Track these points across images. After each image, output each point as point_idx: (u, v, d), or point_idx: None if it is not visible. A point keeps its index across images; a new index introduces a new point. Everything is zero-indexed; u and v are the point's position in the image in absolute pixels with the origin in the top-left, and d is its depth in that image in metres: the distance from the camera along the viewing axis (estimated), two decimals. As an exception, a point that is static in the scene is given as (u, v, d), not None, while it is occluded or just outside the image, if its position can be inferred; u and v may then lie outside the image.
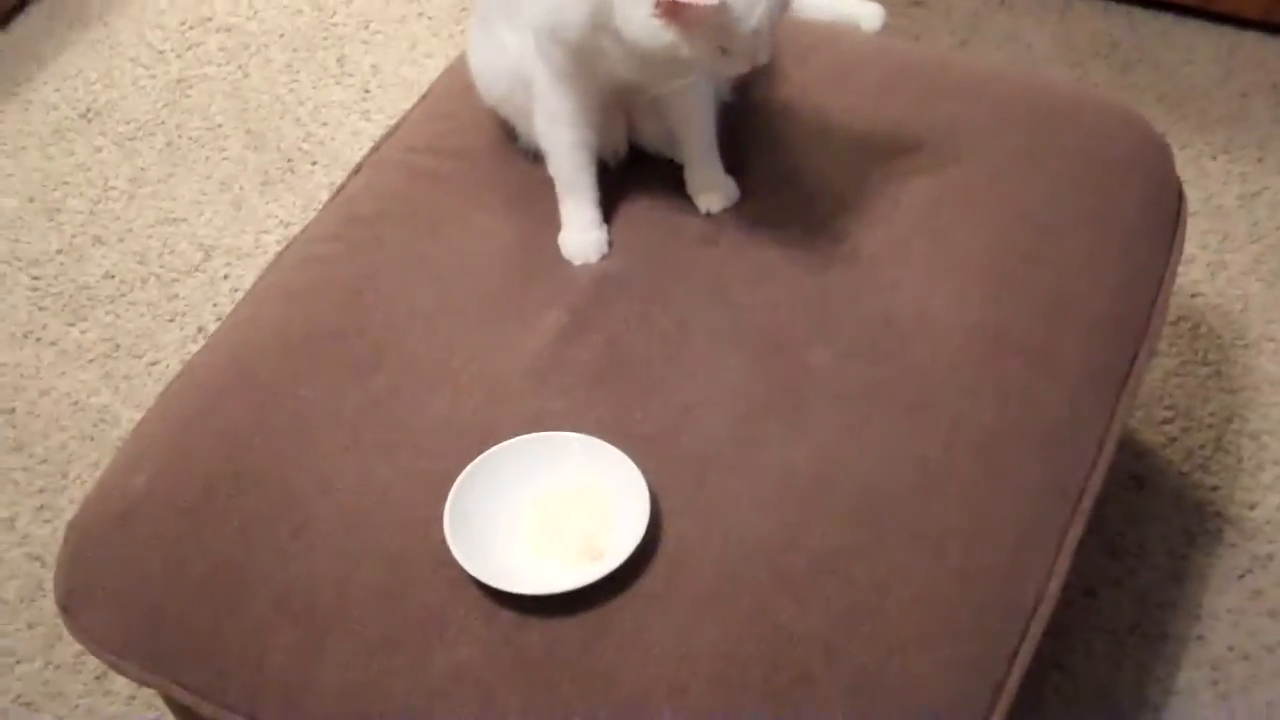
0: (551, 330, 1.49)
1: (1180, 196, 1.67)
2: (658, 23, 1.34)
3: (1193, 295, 2.07)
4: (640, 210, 1.60)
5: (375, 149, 1.78)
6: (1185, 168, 2.22)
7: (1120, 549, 1.83)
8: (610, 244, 1.57)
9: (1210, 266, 2.10)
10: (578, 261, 1.56)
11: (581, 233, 1.58)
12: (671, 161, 1.62)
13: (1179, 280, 2.09)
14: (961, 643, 1.27)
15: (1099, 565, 1.81)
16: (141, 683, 1.38)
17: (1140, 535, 1.84)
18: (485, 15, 1.62)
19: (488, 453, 1.36)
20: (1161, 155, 1.67)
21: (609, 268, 1.55)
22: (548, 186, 1.60)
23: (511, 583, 1.28)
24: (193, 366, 1.57)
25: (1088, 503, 1.40)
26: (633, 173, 1.63)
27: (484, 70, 1.65)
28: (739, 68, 1.39)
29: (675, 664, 1.25)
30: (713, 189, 1.60)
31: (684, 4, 1.31)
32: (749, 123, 1.67)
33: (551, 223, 1.59)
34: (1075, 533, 1.38)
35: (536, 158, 1.61)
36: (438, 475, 1.35)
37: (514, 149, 1.66)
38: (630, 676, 1.25)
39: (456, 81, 1.77)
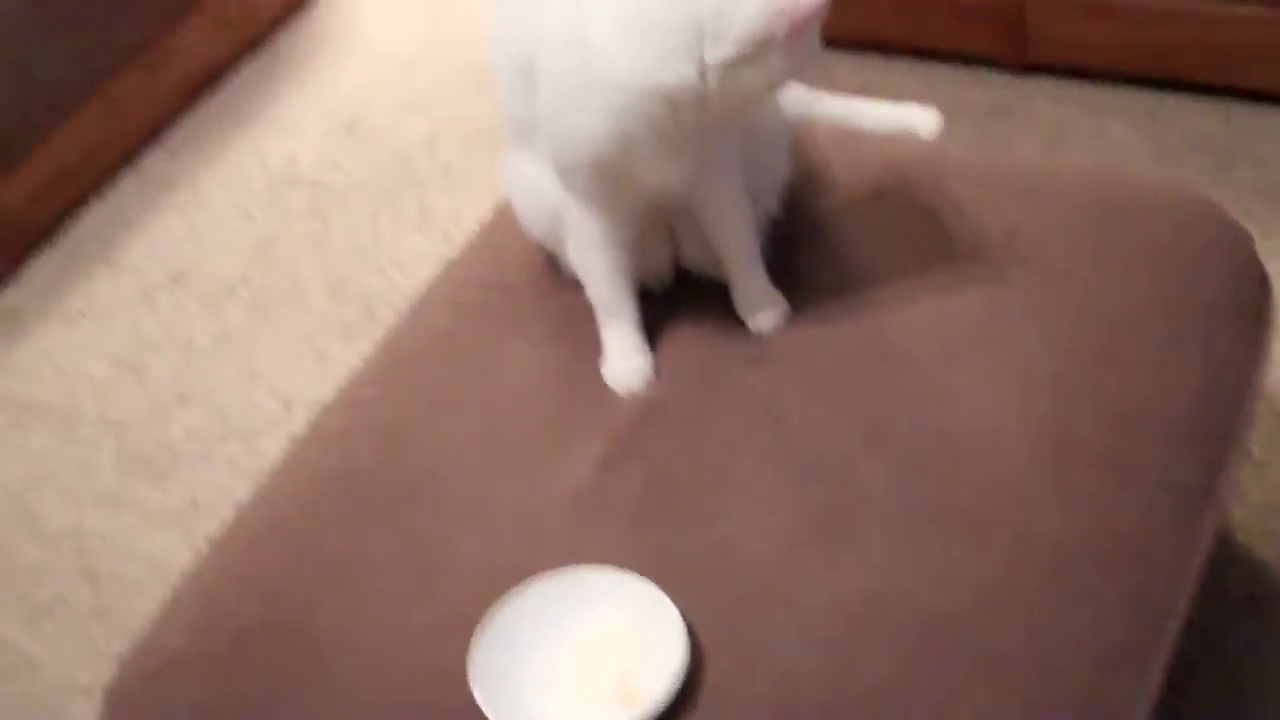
0: (591, 461, 1.42)
1: (1266, 286, 1.56)
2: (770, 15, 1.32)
3: (1305, 396, 1.94)
4: (687, 333, 1.54)
5: (427, 289, 1.75)
6: (1291, 264, 2.10)
7: (1239, 681, 1.68)
8: (655, 370, 1.51)
9: (1322, 365, 1.97)
10: (620, 389, 1.50)
11: (624, 359, 1.52)
12: (722, 284, 1.56)
13: (1289, 381, 1.96)
14: (1031, 780, 1.16)
15: (1215, 701, 1.67)
16: None
17: (1262, 665, 1.70)
18: (513, 144, 1.58)
19: (512, 594, 1.29)
20: (1240, 244, 1.57)
21: (652, 394, 1.49)
22: (592, 316, 1.54)
23: (542, 732, 1.21)
24: (236, 520, 1.53)
25: (1173, 624, 1.29)
26: (679, 296, 1.58)
27: (521, 204, 1.61)
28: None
29: (717, 814, 1.16)
30: (761, 307, 1.53)
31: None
32: (798, 236, 1.61)
33: (595, 351, 1.53)
34: (1161, 657, 1.27)
35: (579, 286, 1.56)
36: (469, 619, 1.29)
37: (559, 279, 1.61)
38: (670, 829, 1.16)
39: (508, 215, 1.73)
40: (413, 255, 2.51)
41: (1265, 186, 2.23)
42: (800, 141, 1.71)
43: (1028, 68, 2.51)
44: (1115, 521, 1.31)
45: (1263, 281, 1.57)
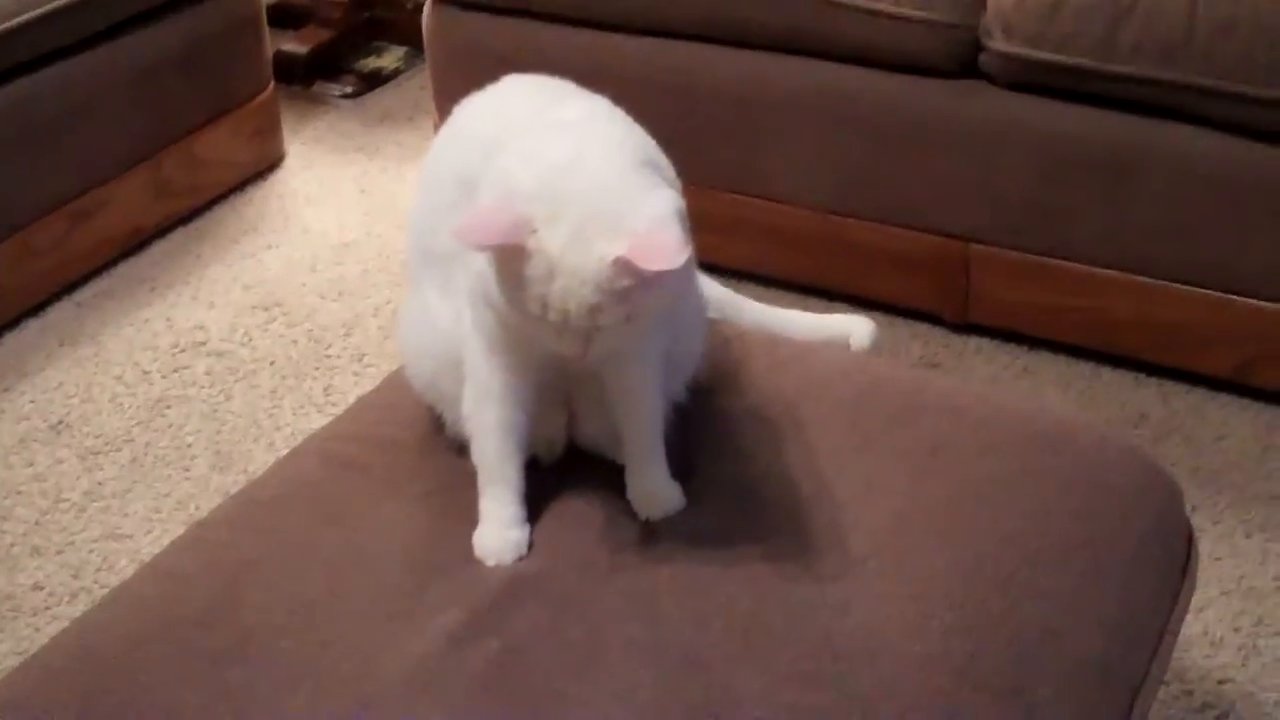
0: (443, 632, 1.28)
1: (1191, 543, 1.46)
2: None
3: (1221, 681, 1.82)
4: (570, 511, 1.42)
5: (306, 440, 1.63)
6: (1218, 544, 2.01)
7: None
8: (530, 545, 1.38)
9: (1243, 651, 1.86)
10: (490, 562, 1.37)
11: (499, 530, 1.39)
12: (614, 463, 1.45)
13: (1205, 665, 1.84)
14: None
15: None
16: None
17: None
18: (416, 283, 1.49)
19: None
20: (1167, 493, 1.47)
21: (523, 568, 1.36)
22: (472, 481, 1.42)
23: None
24: (43, 649, 1.37)
25: None
26: (568, 471, 1.46)
27: (413, 349, 1.51)
28: (562, 348, 1.28)
29: None
30: (653, 494, 1.42)
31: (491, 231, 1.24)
32: (706, 429, 1.50)
33: (469, 519, 1.40)
34: None
35: (464, 450, 1.45)
36: (274, 784, 1.13)
37: (442, 441, 1.50)
38: None
39: (402, 378, 1.62)
40: (308, 434, 2.38)
41: (1197, 466, 2.15)
42: (720, 339, 1.62)
43: (966, 326, 2.46)
44: (1010, 759, 1.18)
45: (1189, 537, 1.47)
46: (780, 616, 1.28)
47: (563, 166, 1.26)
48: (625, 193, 1.26)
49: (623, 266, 1.22)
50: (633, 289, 1.23)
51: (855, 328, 1.74)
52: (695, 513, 1.40)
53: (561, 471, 1.45)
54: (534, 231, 1.22)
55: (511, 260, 1.24)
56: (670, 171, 1.38)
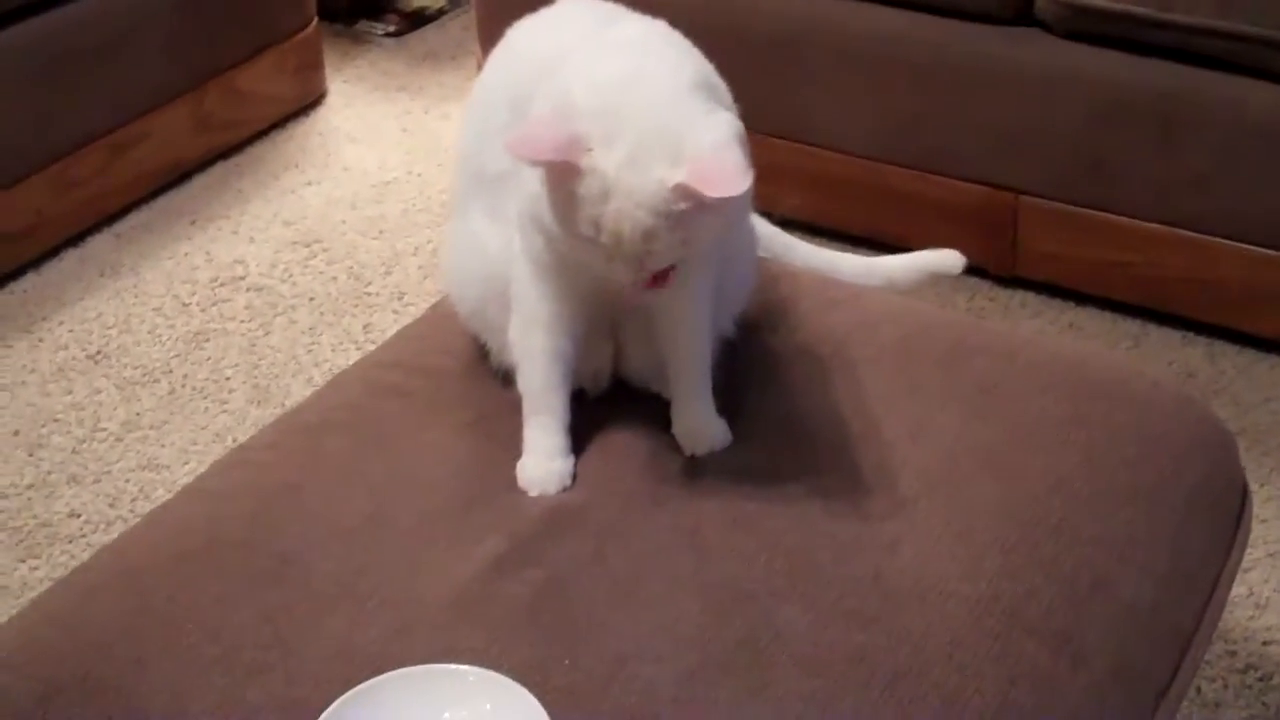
0: (486, 559, 1.27)
1: (1245, 493, 1.43)
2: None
3: (1265, 643, 1.80)
4: (615, 444, 1.40)
5: (348, 368, 1.61)
6: (1264, 506, 1.98)
7: None
8: (574, 476, 1.36)
9: (1289, 613, 1.84)
10: (533, 492, 1.35)
11: (544, 460, 1.37)
12: (660, 397, 1.43)
13: (1250, 626, 1.82)
14: None
15: None
16: None
17: None
18: (463, 208, 1.47)
19: (366, 684, 1.12)
20: (1221, 443, 1.45)
21: (567, 499, 1.34)
22: (516, 411, 1.41)
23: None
24: (83, 566, 1.36)
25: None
26: (614, 404, 1.44)
27: (457, 277, 1.49)
28: (614, 273, 1.25)
29: None
30: (700, 429, 1.40)
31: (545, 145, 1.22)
32: (754, 365, 1.48)
33: (513, 448, 1.39)
34: None
35: (508, 380, 1.43)
36: (311, 706, 1.12)
37: (486, 370, 1.48)
38: None
39: (445, 308, 1.61)
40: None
41: (1244, 427, 2.12)
42: (769, 277, 1.60)
43: (1012, 280, 2.43)
44: (1059, 701, 1.16)
45: (1243, 489, 1.44)
46: (828, 554, 1.26)
47: (620, 85, 1.24)
48: (684, 115, 1.23)
49: (682, 191, 1.19)
50: (689, 213, 1.21)
51: (944, 258, 1.73)
52: (741, 449, 1.39)
53: (607, 404, 1.44)
54: (589, 150, 1.20)
55: (565, 179, 1.21)
56: (728, 96, 1.35)
